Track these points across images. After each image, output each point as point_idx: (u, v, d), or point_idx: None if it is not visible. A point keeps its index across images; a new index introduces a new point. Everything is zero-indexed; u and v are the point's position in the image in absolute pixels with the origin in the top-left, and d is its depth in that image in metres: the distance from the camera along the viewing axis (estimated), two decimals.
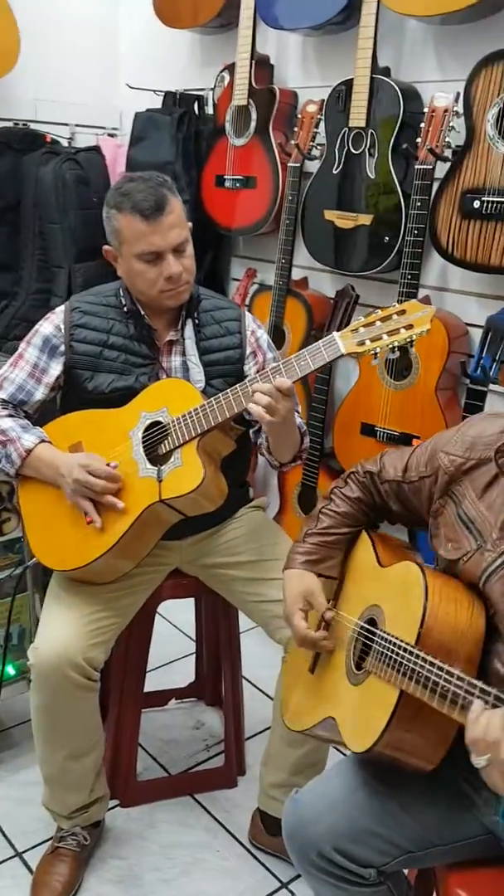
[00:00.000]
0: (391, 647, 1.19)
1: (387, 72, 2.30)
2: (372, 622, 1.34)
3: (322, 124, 2.43)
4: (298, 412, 1.85)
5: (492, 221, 2.00)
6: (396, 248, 2.24)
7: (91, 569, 1.69)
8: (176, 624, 2.77)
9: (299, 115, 2.49)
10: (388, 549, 1.46)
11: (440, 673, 1.08)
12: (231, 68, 2.65)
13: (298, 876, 1.86)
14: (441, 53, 2.28)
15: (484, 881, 1.26)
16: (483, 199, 2.01)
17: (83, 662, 1.65)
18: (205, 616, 2.34)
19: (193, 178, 2.83)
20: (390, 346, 1.56)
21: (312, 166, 2.49)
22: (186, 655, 2.64)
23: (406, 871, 1.37)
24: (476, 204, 2.02)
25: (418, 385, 2.19)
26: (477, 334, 2.18)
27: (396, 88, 2.21)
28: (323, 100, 2.43)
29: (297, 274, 2.61)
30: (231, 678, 2.10)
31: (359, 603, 1.41)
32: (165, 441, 1.69)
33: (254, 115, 2.60)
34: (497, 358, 2.07)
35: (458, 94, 2.09)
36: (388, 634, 1.22)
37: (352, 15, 2.33)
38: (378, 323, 1.56)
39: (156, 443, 1.70)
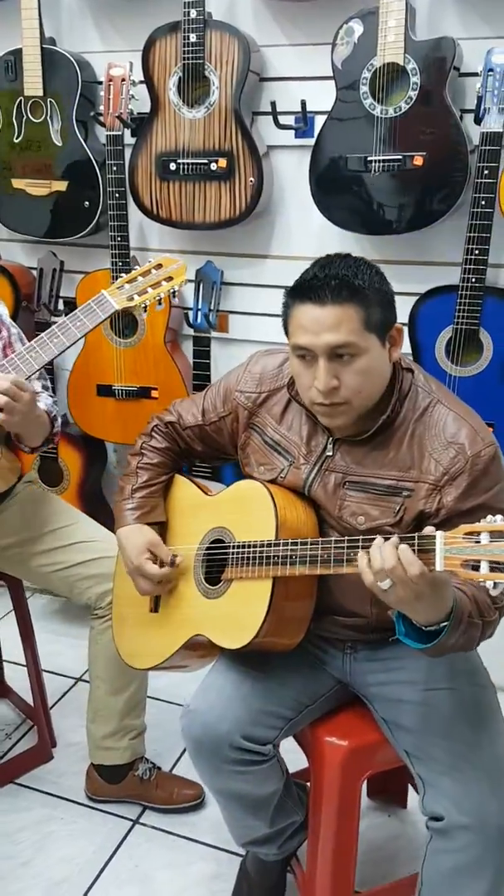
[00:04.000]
0: (254, 549, 1.37)
1: (53, 42, 2.34)
2: (218, 542, 1.50)
3: None
4: (53, 394, 1.89)
5: (189, 182, 2.20)
6: (98, 213, 2.33)
7: None
8: None
9: None
10: (203, 483, 1.64)
11: (314, 546, 1.29)
12: None
13: (145, 809, 1.98)
14: (101, 25, 2.39)
15: (342, 723, 1.53)
16: (178, 161, 2.19)
17: None
18: None
19: None
20: (156, 297, 1.70)
21: None
22: None
23: None
24: (172, 166, 2.20)
25: (147, 340, 2.34)
26: (187, 288, 2.39)
27: (71, 58, 2.27)
28: None
29: None
30: (32, 657, 2.10)
31: (194, 533, 1.55)
32: None
33: None
34: (212, 307, 2.31)
35: (131, 63, 2.23)
36: (247, 542, 1.40)
37: None
38: (140, 278, 1.69)
39: None
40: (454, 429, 1.32)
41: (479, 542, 1.04)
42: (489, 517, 1.05)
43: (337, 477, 1.39)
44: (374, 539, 1.18)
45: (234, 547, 1.43)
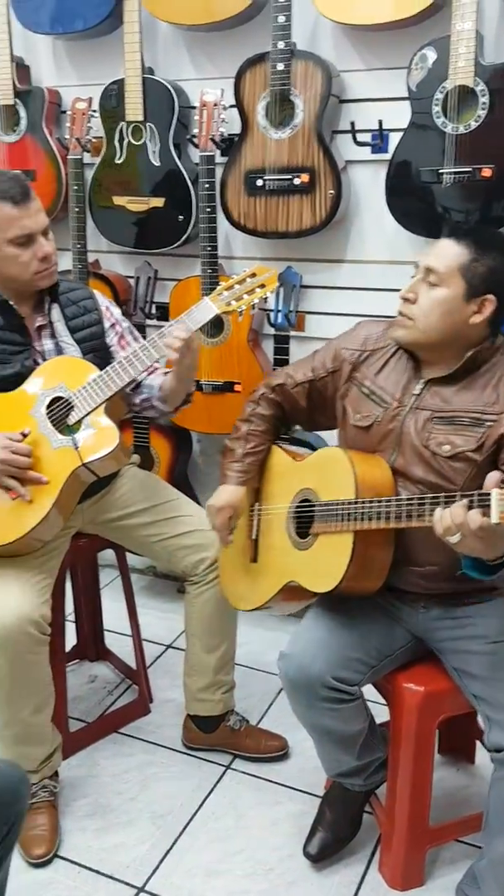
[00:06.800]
0: (337, 507, 1.59)
1: (151, 72, 2.61)
2: (305, 501, 1.73)
3: (94, 120, 2.67)
4: None
5: (274, 196, 2.44)
6: (191, 226, 2.59)
7: (28, 538, 1.85)
8: None
9: (69, 112, 2.69)
10: (293, 450, 1.90)
11: (388, 504, 1.51)
12: None
13: (236, 757, 2.21)
14: (195, 55, 2.64)
15: (418, 672, 1.74)
16: (264, 178, 2.43)
17: (40, 619, 1.82)
18: (82, 584, 2.53)
19: None
20: (251, 304, 1.92)
21: (88, 158, 2.73)
22: None
23: None
24: (259, 182, 2.44)
25: (231, 340, 2.58)
26: None
27: (168, 86, 2.53)
28: (91, 97, 2.67)
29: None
30: (134, 622, 2.36)
31: (286, 494, 1.80)
32: (72, 413, 1.89)
33: (23, 114, 2.74)
34: (292, 308, 2.54)
35: (223, 90, 2.48)
36: (330, 500, 1.62)
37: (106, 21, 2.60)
38: (236, 286, 1.92)
39: (62, 416, 1.89)
40: None
41: None
42: None
43: (426, 414, 1.62)
44: (438, 496, 1.40)
45: (319, 506, 1.66)
